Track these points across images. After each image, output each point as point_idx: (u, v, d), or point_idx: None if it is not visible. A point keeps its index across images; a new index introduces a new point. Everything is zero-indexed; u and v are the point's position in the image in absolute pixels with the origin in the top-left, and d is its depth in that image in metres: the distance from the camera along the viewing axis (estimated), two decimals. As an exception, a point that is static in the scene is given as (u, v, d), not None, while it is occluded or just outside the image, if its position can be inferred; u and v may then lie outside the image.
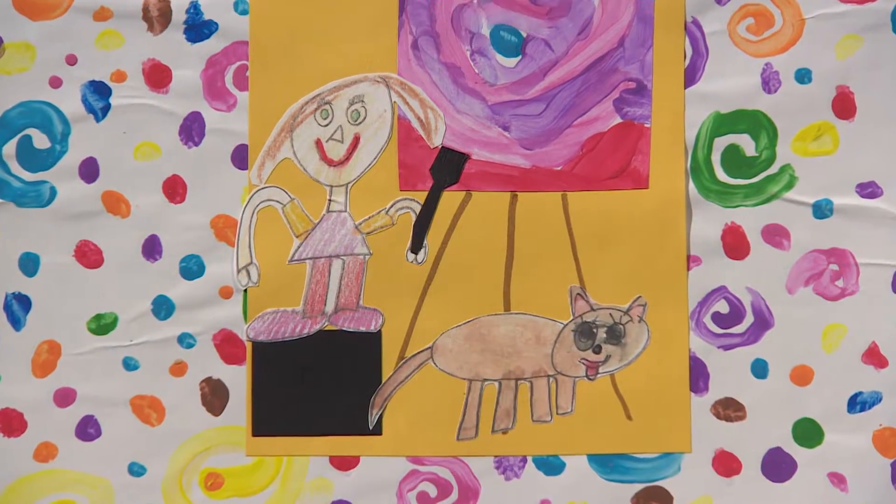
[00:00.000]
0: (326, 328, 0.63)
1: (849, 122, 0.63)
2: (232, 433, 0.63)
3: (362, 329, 0.63)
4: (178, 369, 0.64)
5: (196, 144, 0.64)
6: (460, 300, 0.63)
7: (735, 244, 0.63)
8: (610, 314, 0.63)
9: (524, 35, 0.63)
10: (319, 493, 0.63)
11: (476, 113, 0.63)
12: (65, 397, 0.63)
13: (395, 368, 0.63)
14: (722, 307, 0.63)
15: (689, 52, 0.63)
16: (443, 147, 0.63)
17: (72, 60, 0.63)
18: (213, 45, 0.63)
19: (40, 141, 0.63)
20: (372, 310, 0.63)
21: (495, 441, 0.63)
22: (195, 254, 0.64)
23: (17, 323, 0.63)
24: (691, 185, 0.63)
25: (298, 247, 0.63)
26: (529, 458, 0.63)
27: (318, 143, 0.63)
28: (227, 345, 0.64)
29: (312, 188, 0.63)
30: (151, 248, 0.64)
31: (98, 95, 0.63)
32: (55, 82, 0.63)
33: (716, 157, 0.63)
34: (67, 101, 0.63)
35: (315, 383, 0.63)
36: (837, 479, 0.63)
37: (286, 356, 0.63)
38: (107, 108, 0.63)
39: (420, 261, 0.63)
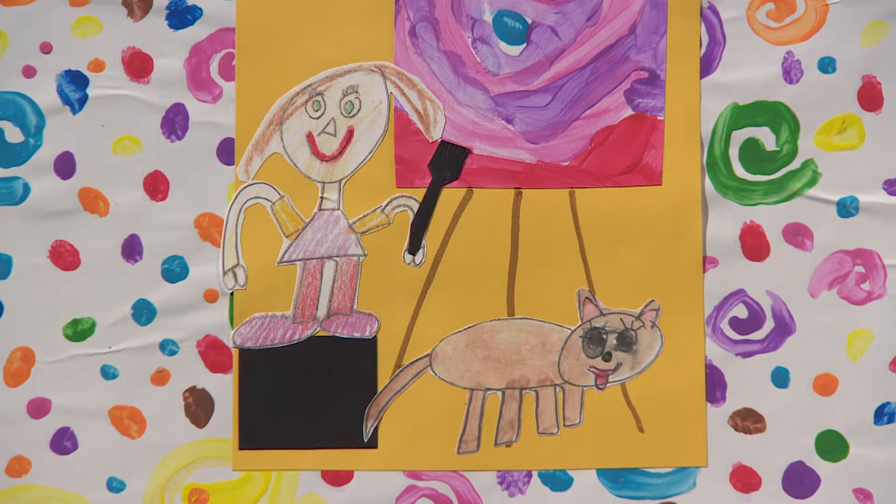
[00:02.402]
0: (318, 334, 0.63)
1: (875, 115, 0.62)
2: (217, 446, 0.63)
3: (356, 335, 0.62)
4: (160, 378, 0.63)
5: (179, 138, 0.63)
6: (461, 304, 0.62)
7: (754, 244, 0.62)
8: (621, 319, 0.62)
9: (529, 21, 0.62)
10: (311, 510, 0.63)
11: (478, 104, 0.62)
12: (39, 408, 0.63)
13: (392, 377, 0.62)
14: (740, 312, 0.62)
15: (706, 40, 0.62)
16: (442, 141, 0.63)
17: (46, 48, 0.63)
18: (197, 33, 0.63)
19: (13, 134, 0.63)
20: (367, 314, 0.62)
21: (498, 455, 0.62)
22: (178, 255, 0.63)
23: (-13, 329, 0.63)
24: (707, 181, 0.62)
25: (288, 247, 0.62)
26: (535, 473, 0.63)
27: (310, 137, 0.63)
28: (212, 352, 0.63)
29: (303, 185, 0.63)
30: (131, 249, 0.63)
31: (75, 86, 0.63)
32: (28, 72, 0.63)
33: (734, 152, 0.62)
34: (42, 91, 0.63)
35: (306, 393, 0.62)
36: (863, 496, 0.62)
37: (275, 364, 0.62)
38: (84, 100, 0.63)
39: (418, 262, 0.62)
